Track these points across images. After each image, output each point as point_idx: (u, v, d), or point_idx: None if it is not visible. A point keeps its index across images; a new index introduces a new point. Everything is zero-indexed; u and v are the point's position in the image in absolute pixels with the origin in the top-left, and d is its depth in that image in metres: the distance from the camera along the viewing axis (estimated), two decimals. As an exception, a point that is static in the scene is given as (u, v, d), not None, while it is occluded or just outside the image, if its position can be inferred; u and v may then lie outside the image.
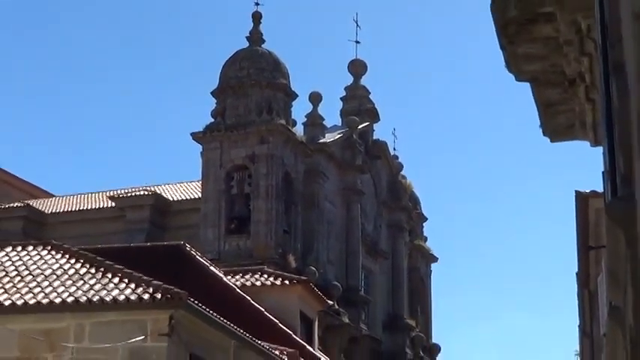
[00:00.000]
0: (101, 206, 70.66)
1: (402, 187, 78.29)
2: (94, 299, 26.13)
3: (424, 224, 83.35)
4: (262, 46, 65.66)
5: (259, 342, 30.80)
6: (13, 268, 29.31)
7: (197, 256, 36.05)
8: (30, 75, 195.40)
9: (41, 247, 31.81)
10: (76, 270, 28.57)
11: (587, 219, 30.89)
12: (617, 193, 8.34)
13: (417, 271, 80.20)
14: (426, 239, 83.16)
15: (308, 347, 39.02)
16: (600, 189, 18.34)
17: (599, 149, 13.16)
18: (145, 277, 26.85)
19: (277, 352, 32.46)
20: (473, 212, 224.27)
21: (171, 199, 69.16)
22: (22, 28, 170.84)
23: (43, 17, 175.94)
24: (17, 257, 30.50)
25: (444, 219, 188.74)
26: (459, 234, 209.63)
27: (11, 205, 72.06)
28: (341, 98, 74.94)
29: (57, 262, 29.48)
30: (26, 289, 27.35)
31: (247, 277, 42.02)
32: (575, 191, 31.98)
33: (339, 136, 69.42)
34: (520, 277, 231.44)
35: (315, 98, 68.00)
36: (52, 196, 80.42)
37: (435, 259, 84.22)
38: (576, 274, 39.33)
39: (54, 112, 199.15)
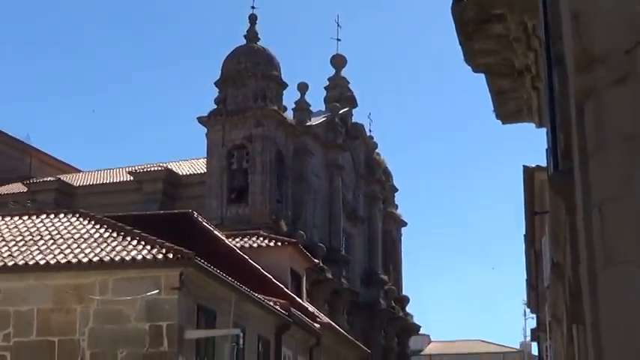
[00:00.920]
0: (121, 180, 70.59)
1: (377, 162, 78.44)
2: (116, 259, 26.11)
3: (395, 194, 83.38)
4: (257, 43, 65.78)
5: (256, 295, 30.81)
6: (47, 233, 29.29)
7: (203, 222, 36.05)
8: (63, 67, 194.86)
9: (71, 215, 31.77)
10: (101, 234, 28.55)
11: (533, 189, 30.90)
12: (558, 167, 8.36)
13: (390, 234, 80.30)
14: (397, 207, 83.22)
15: (297, 299, 39.04)
16: (544, 164, 18.37)
17: (543, 130, 13.18)
18: (159, 240, 26.83)
19: (271, 303, 32.47)
20: (437, 184, 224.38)
21: (180, 173, 69.14)
22: (54, 22, 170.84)
23: (78, 14, 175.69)
24: (50, 224, 30.47)
25: (413, 190, 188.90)
26: (425, 202, 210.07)
27: (45, 179, 72.02)
28: (325, 87, 74.99)
29: (84, 228, 29.45)
30: (58, 250, 27.33)
31: (246, 239, 42.05)
32: (523, 166, 32.00)
33: (323, 119, 69.54)
34: (477, 239, 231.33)
35: (303, 87, 68.22)
36: (80, 171, 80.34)
37: (404, 224, 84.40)
38: (524, 236, 39.37)
39: (83, 100, 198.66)
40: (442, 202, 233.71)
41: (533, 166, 30.37)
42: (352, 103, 75.00)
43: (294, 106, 67.15)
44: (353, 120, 75.10)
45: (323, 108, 72.32)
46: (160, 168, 69.58)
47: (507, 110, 14.57)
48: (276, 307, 32.89)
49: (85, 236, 28.51)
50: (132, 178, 69.37)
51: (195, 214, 35.95)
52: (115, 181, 71.38)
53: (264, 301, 31.52)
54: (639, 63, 6.02)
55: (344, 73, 75.61)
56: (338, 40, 75.78)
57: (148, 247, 26.58)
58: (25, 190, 68.78)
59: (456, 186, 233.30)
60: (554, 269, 15.96)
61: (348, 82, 75.52)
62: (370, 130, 78.26)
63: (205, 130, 63.66)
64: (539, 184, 29.04)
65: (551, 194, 11.04)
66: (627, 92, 6.04)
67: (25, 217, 31.89)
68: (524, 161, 37.71)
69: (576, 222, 7.54)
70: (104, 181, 72.05)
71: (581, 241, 6.83)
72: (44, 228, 29.97)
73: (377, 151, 78.96)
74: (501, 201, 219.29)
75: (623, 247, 5.98)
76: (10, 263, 26.71)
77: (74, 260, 26.41)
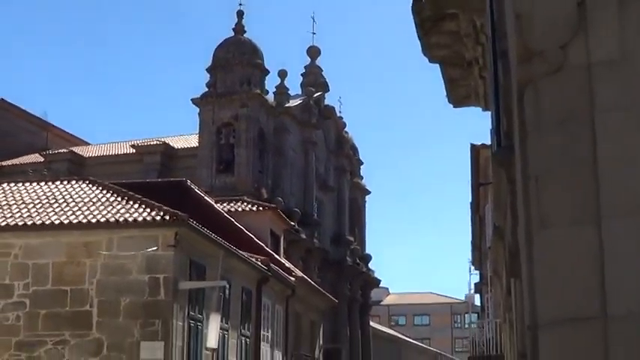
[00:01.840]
0: (125, 152, 70.38)
1: (345, 139, 78.45)
2: (120, 220, 26.12)
3: (361, 167, 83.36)
4: (244, 35, 65.62)
5: (240, 252, 30.86)
6: (61, 197, 29.26)
7: (195, 189, 36.00)
8: (77, 54, 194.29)
9: (82, 182, 31.73)
10: (107, 198, 28.54)
11: (478, 164, 31.07)
12: (501, 145, 8.42)
13: (356, 201, 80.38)
14: (362, 178, 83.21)
15: (276, 256, 39.13)
16: (488, 142, 18.44)
17: (488, 113, 13.22)
18: (157, 204, 26.83)
19: (253, 259, 32.54)
20: (397, 158, 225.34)
21: (176, 147, 69.00)
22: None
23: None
24: (64, 189, 30.44)
25: (376, 163, 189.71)
26: (386, 174, 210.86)
27: (59, 150, 71.80)
28: (301, 74, 74.76)
29: (93, 193, 29.43)
30: (71, 212, 27.32)
31: (232, 204, 42.09)
32: (470, 144, 32.16)
33: (300, 102, 69.50)
34: (430, 206, 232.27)
35: (282, 74, 68.19)
36: (89, 144, 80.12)
37: (368, 193, 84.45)
38: (470, 204, 39.55)
39: (93, 82, 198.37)
40: (401, 174, 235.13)
41: (479, 144, 30.53)
42: (325, 88, 74.94)
43: (274, 90, 67.07)
44: (325, 103, 75.03)
45: (300, 92, 72.21)
46: (158, 142, 69.51)
47: (458, 95, 14.60)
48: (258, 262, 32.96)
49: (94, 200, 28.50)
50: (134, 150, 69.26)
51: (189, 182, 35.89)
52: (119, 153, 71.22)
53: (247, 257, 31.59)
54: (571, 56, 6.08)
55: (318, 62, 75.59)
56: (313, 33, 75.95)
57: (148, 210, 26.61)
58: (42, 160, 68.66)
59: (413, 160, 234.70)
60: (496, 232, 16.08)
61: (322, 70, 75.49)
62: (340, 112, 78.30)
63: (198, 109, 63.59)
64: (483, 160, 29.20)
65: (494, 167, 11.10)
66: (560, 81, 6.11)
67: (42, 184, 31.87)
68: (471, 140, 37.88)
69: (516, 191, 7.60)
70: (110, 153, 71.91)
71: (520, 208, 6.89)
72: (58, 193, 29.95)
73: (345, 129, 78.98)
74: (451, 174, 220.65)
75: (555, 212, 6.04)
76: (30, 223, 26.70)
77: (84, 220, 26.42)
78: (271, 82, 66.77)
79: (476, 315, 57.21)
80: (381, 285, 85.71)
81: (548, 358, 6.07)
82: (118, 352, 25.02)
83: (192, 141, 66.07)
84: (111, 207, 27.47)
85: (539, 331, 6.18)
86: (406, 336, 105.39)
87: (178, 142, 69.89)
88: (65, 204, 28.31)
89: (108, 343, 25.15)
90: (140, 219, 25.98)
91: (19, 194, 30.24)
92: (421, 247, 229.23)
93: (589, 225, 5.85)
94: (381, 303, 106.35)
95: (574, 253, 5.90)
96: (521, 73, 6.47)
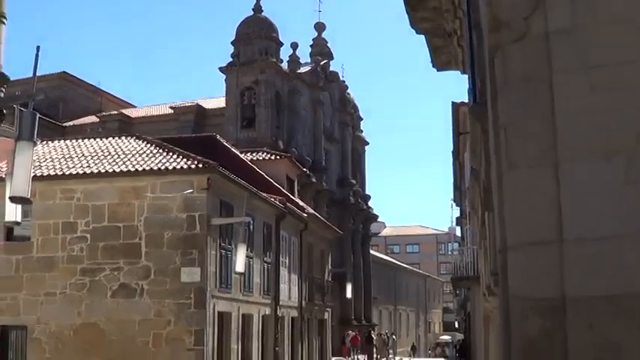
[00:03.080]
0: (165, 113, 70.47)
1: (348, 99, 78.27)
2: (162, 168, 26.21)
3: (361, 122, 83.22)
4: (262, 13, 65.33)
5: (262, 193, 30.96)
6: (113, 150, 29.34)
7: (223, 142, 36.08)
8: (128, 31, 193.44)
9: (130, 138, 31.80)
10: (151, 151, 28.61)
11: (458, 118, 31.01)
12: (476, 101, 8.43)
13: (357, 151, 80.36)
14: (362, 131, 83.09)
15: (291, 196, 39.26)
16: (466, 100, 18.41)
17: (466, 76, 13.19)
18: (192, 155, 26.92)
19: (273, 199, 32.64)
20: (392, 114, 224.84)
21: (207, 107, 69.03)
22: None
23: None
24: (116, 144, 30.51)
25: (374, 118, 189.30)
26: (383, 128, 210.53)
27: (111, 112, 72.06)
28: (310, 45, 74.49)
29: (139, 146, 29.50)
30: (122, 162, 27.41)
31: (254, 154, 42.16)
32: (452, 102, 32.16)
33: (309, 68, 69.30)
34: (419, 154, 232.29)
35: (294, 45, 68.02)
36: (135, 107, 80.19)
37: (367, 143, 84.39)
38: (452, 152, 39.53)
39: (140, 54, 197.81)
40: (395, 128, 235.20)
41: (459, 102, 30.48)
42: (330, 56, 74.61)
43: (288, 59, 66.90)
44: (330, 69, 74.74)
45: (309, 60, 71.95)
46: (192, 104, 69.63)
47: (440, 61, 14.56)
48: (276, 202, 33.08)
49: (140, 152, 28.60)
50: (172, 111, 69.43)
51: (218, 137, 36.00)
52: (160, 113, 71.30)
53: (267, 197, 31.70)
54: (532, 26, 6.07)
55: (324, 35, 75.33)
56: (319, 11, 76.45)
57: (185, 160, 26.71)
58: (97, 121, 68.80)
59: (404, 117, 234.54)
60: (473, 174, 16.07)
61: (327, 42, 75.18)
62: (343, 76, 78.04)
63: (224, 76, 63.61)
64: (462, 115, 29.14)
65: (471, 120, 11.09)
66: (524, 47, 6.10)
67: (98, 140, 31.96)
68: (452, 99, 37.73)
69: (488, 139, 7.61)
70: (152, 114, 72.00)
71: (492, 153, 6.91)
72: (111, 147, 30.06)
73: (348, 91, 78.77)
74: (438, 126, 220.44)
75: (520, 156, 6.07)
76: (88, 171, 26.82)
77: (133, 169, 26.55)
78: (285, 53, 66.79)
79: (457, 243, 57.45)
80: (378, 220, 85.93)
81: (515, 274, 6.13)
82: (162, 276, 25.25)
83: (220, 102, 66.01)
84: (154, 158, 27.57)
85: (508, 253, 6.23)
86: (400, 262, 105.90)
87: (208, 104, 69.88)
88: (117, 156, 28.42)
89: (154, 269, 25.38)
90: (178, 167, 26.09)
91: (79, 149, 30.35)
92: (412, 188, 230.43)
93: (548, 167, 5.87)
94: (379, 235, 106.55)
95: (536, 189, 5.93)
96: (492, 41, 6.45)
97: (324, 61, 72.72)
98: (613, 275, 5.59)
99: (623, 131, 5.71)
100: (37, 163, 27.38)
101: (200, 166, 25.91)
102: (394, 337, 69.84)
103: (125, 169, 26.52)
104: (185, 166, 26.04)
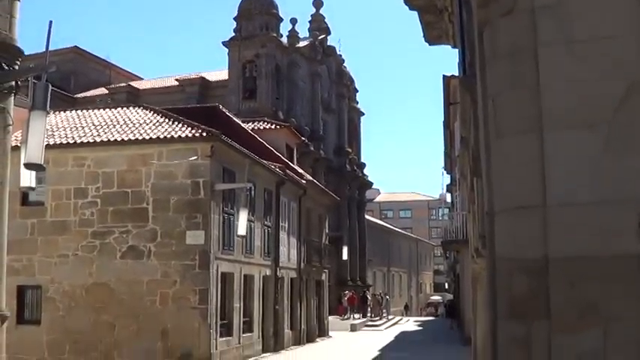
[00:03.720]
0: (171, 85, 70.14)
1: (344, 72, 77.96)
2: (168, 136, 26.17)
3: (356, 94, 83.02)
4: (263, -10, 65.11)
5: (263, 161, 30.96)
6: (122, 120, 29.28)
7: (226, 113, 35.99)
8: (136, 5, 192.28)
9: (137, 108, 31.73)
10: (158, 120, 28.55)
11: (449, 89, 30.96)
12: (466, 73, 8.42)
13: (353, 121, 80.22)
14: (357, 102, 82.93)
15: (290, 164, 39.26)
16: (456, 74, 18.36)
17: (456, 50, 13.16)
18: (196, 124, 26.86)
19: (273, 166, 32.65)
20: (386, 86, 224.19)
21: (211, 80, 68.78)
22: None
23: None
24: (124, 114, 30.45)
25: (369, 90, 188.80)
26: (377, 99, 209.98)
27: (120, 85, 71.77)
28: (308, 21, 74.12)
29: (146, 116, 29.43)
30: (130, 131, 27.36)
31: (255, 124, 42.04)
32: (443, 75, 32.07)
33: (308, 43, 68.97)
34: (412, 124, 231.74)
35: (293, 21, 67.51)
36: (143, 79, 79.94)
37: (363, 114, 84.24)
38: (443, 122, 39.53)
39: (147, 28, 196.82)
40: (389, 99, 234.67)
41: (449, 74, 30.42)
42: (327, 32, 74.24)
43: (287, 34, 66.55)
44: (328, 43, 74.42)
45: (307, 35, 71.61)
46: (196, 76, 69.33)
47: (432, 36, 14.50)
48: (276, 169, 33.08)
49: (147, 122, 28.54)
50: (177, 83, 69.12)
51: (221, 107, 35.88)
52: (166, 85, 70.93)
53: (267, 165, 31.70)
54: (520, 1, 6.06)
55: (322, 11, 74.88)
56: (317, -12, 75.34)
57: (189, 129, 26.65)
58: (106, 92, 68.59)
59: (398, 88, 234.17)
60: (462, 142, 16.11)
61: (324, 18, 74.75)
62: (340, 50, 77.67)
63: (227, 50, 63.33)
64: (453, 87, 29.11)
65: (461, 91, 11.10)
66: (511, 21, 6.10)
67: (107, 110, 31.89)
68: (443, 71, 37.71)
69: (477, 109, 7.62)
70: (159, 86, 71.67)
71: (480, 121, 6.92)
72: (120, 117, 30.00)
73: (344, 64, 78.43)
74: (430, 97, 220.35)
75: (507, 125, 6.08)
76: (98, 140, 26.79)
77: (140, 137, 26.50)
78: (284, 28, 66.40)
79: (447, 209, 57.57)
80: (373, 186, 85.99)
81: (501, 237, 6.17)
82: (169, 238, 25.31)
83: (223, 75, 65.77)
84: (160, 127, 27.52)
85: (495, 217, 6.26)
86: (393, 226, 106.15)
87: (212, 76, 69.64)
88: (125, 125, 28.37)
89: (161, 232, 25.44)
90: (183, 136, 26.05)
91: (90, 118, 30.30)
92: (405, 157, 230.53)
93: (533, 135, 5.89)
94: (374, 200, 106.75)
95: (522, 156, 5.96)
96: (481, 16, 6.45)
97: (322, 36, 72.39)
98: (592, 238, 5.64)
99: (604, 102, 5.73)
100: (50, 132, 27.31)
101: (204, 134, 25.87)
102: (388, 297, 70.03)
103: (133, 138, 26.47)
104: (190, 135, 26.00)
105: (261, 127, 41.39)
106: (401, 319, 68.10)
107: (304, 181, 38.39)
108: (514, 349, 5.89)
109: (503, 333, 6.06)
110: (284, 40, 65.22)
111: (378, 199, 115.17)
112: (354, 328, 49.98)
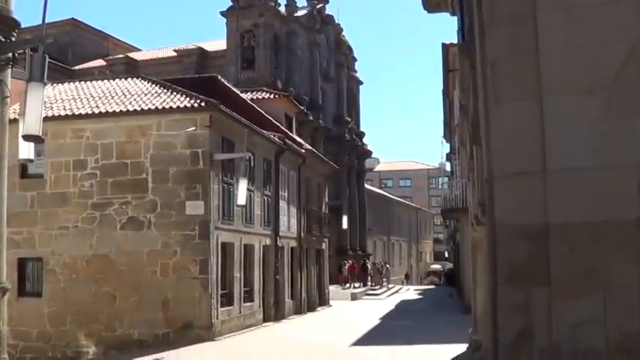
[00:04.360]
0: (169, 55, 69.85)
1: (342, 41, 77.56)
2: (167, 107, 26.07)
3: (355, 63, 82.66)
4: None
5: (262, 130, 30.91)
6: (120, 91, 29.16)
7: (224, 83, 35.86)
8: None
9: (135, 79, 31.61)
10: (156, 91, 28.44)
11: (448, 57, 30.85)
12: (465, 39, 8.39)
13: (352, 90, 79.96)
14: (356, 71, 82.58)
15: (290, 133, 39.17)
16: (455, 42, 18.29)
17: (455, 18, 13.10)
18: (195, 94, 26.75)
19: (272, 136, 32.59)
20: (385, 54, 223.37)
21: (209, 50, 68.51)
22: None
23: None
24: (123, 85, 30.32)
25: (367, 59, 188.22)
26: (376, 67, 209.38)
27: (118, 56, 71.52)
28: (307, -10, 73.94)
29: (145, 87, 29.31)
30: (128, 102, 27.25)
31: (253, 94, 41.87)
32: (442, 43, 31.93)
33: (306, 12, 68.58)
34: (411, 93, 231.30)
35: (292, -10, 67.35)
36: (141, 50, 79.64)
37: (361, 83, 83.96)
38: (442, 90, 39.44)
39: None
40: (388, 67, 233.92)
41: (449, 42, 30.31)
42: (325, 0, 73.90)
43: (285, 2, 66.22)
44: (326, 12, 73.99)
45: (305, 4, 71.21)
46: (194, 47, 69.07)
47: (431, 3, 14.45)
48: (275, 138, 33.02)
49: (146, 92, 28.43)
50: (176, 54, 68.85)
51: (219, 77, 35.73)
52: (164, 56, 70.67)
53: (266, 134, 31.64)
54: (519, -33, 6.03)
55: (320, -21, 74.59)
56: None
57: (188, 99, 26.55)
58: (104, 64, 68.30)
59: (397, 56, 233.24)
60: (461, 109, 16.08)
61: (323, -14, 74.57)
62: (338, 19, 77.18)
63: (225, 20, 63.04)
64: (452, 56, 29.00)
65: (460, 57, 11.05)
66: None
67: (105, 81, 31.77)
68: (442, 39, 37.64)
69: (476, 75, 7.60)
70: (157, 57, 71.36)
71: (479, 87, 6.90)
72: (118, 88, 29.87)
73: (343, 33, 78.00)
74: (429, 65, 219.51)
75: (506, 91, 6.07)
76: (97, 111, 26.72)
77: (138, 108, 26.40)
78: (283, -3, 66.07)
79: (447, 178, 57.58)
80: (373, 155, 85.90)
81: (501, 203, 6.17)
82: (168, 209, 25.31)
83: (222, 45, 65.47)
84: (159, 97, 27.42)
85: (494, 183, 6.26)
86: (393, 195, 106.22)
87: (210, 46, 69.33)
88: (123, 96, 28.27)
89: (161, 203, 25.43)
90: (182, 106, 25.97)
91: (88, 90, 30.19)
92: (405, 125, 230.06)
93: (533, 100, 5.88)
94: (373, 170, 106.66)
95: (521, 122, 5.95)
96: (480, -19, 6.41)
97: (320, 5, 71.96)
98: (592, 203, 5.64)
99: (603, 67, 5.70)
100: (48, 105, 27.18)
101: (202, 104, 25.76)
102: (388, 266, 70.22)
103: (131, 109, 26.36)
104: (188, 105, 25.89)
105: (260, 97, 41.19)
106: (401, 288, 68.31)
107: (303, 151, 38.34)
108: (514, 314, 5.92)
109: (503, 299, 6.08)
110: (282, 9, 64.86)
111: (377, 168, 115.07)
112: (354, 297, 50.16)
